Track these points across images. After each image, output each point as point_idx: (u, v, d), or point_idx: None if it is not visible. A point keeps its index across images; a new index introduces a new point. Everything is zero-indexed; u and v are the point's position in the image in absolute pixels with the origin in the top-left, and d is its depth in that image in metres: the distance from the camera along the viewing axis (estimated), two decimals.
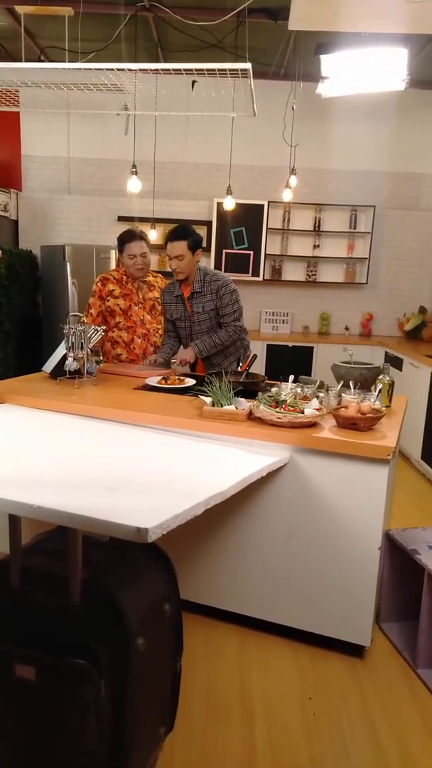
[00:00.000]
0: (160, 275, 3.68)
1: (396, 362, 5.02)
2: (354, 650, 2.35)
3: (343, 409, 2.31)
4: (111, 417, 2.48)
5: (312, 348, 5.68)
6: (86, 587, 1.52)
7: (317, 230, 5.90)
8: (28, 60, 4.63)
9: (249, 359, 3.06)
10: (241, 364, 3.18)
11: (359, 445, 2.14)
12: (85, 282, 5.20)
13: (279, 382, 2.60)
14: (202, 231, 5.83)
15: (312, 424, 2.29)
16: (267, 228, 5.79)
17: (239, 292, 3.35)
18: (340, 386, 2.57)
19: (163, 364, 3.32)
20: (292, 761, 1.86)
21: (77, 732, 1.41)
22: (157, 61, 5.25)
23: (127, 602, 1.50)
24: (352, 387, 2.52)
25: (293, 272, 6.07)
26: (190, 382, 2.91)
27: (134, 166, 4.43)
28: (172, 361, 3.30)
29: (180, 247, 3.14)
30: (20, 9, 4.20)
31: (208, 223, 5.85)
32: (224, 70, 2.94)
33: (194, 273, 3.25)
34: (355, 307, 6.18)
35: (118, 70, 3.10)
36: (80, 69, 3.17)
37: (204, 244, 5.71)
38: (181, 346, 3.46)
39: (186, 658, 1.83)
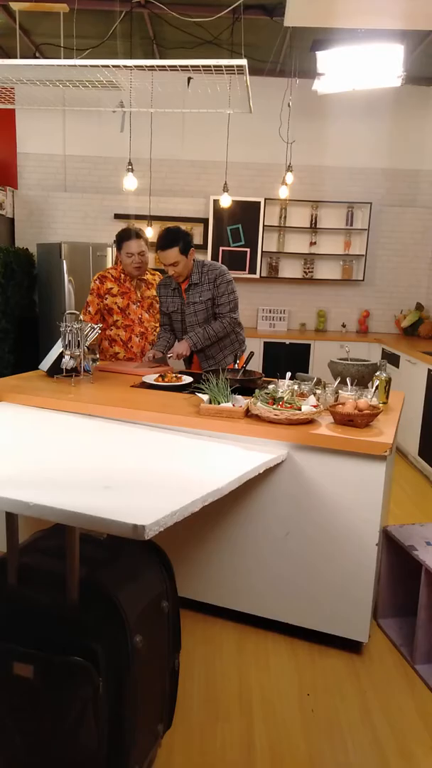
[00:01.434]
0: (158, 273, 3.68)
1: (393, 359, 5.03)
2: (352, 646, 2.35)
3: (340, 405, 2.31)
4: (108, 415, 2.48)
5: (309, 345, 5.68)
6: (84, 585, 1.52)
7: (314, 227, 5.90)
8: (23, 57, 4.62)
9: (244, 357, 3.05)
10: (237, 360, 3.18)
11: (356, 441, 2.14)
12: (82, 280, 5.19)
13: (276, 379, 2.60)
14: (198, 228, 5.84)
15: (309, 421, 2.29)
16: (263, 225, 5.79)
17: (237, 288, 3.34)
18: (337, 383, 2.58)
19: (161, 360, 3.32)
20: (291, 757, 1.87)
21: (76, 729, 1.41)
22: (152, 57, 5.24)
23: (125, 600, 1.50)
24: (349, 384, 2.52)
25: (290, 269, 6.06)
26: (187, 379, 2.91)
27: (130, 163, 4.42)
28: (168, 355, 3.29)
29: (173, 254, 3.11)
30: (15, 5, 4.18)
31: (205, 221, 5.85)
32: (220, 66, 2.94)
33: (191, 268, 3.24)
34: (352, 304, 6.18)
35: (113, 66, 3.10)
36: (76, 66, 3.17)
37: (201, 242, 5.79)
38: (176, 340, 3.45)
39: (184, 656, 1.84)
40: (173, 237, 3.11)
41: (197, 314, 3.28)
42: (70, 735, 1.42)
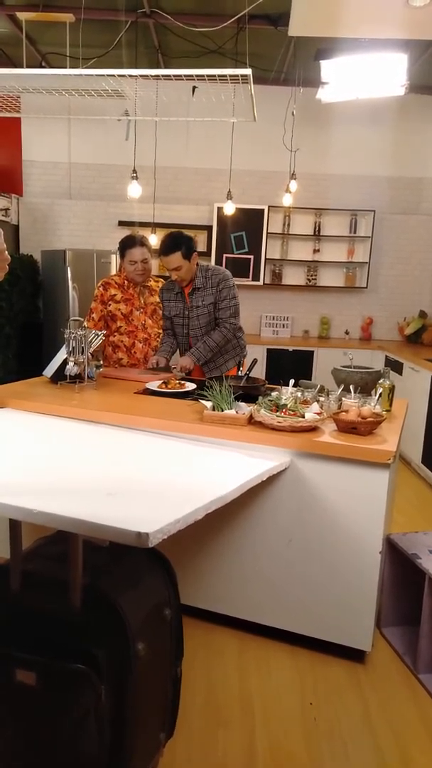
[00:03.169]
0: (162, 280, 3.69)
1: (396, 366, 5.03)
2: (355, 655, 2.34)
3: (344, 413, 2.31)
4: (111, 421, 2.48)
5: (312, 352, 5.68)
6: (86, 592, 1.52)
7: (317, 235, 5.92)
8: (29, 66, 4.66)
9: (246, 364, 3.06)
10: (240, 367, 3.19)
11: (360, 449, 2.14)
12: (86, 286, 5.20)
13: (279, 387, 2.60)
14: (202, 236, 5.86)
15: (312, 429, 2.29)
16: (267, 233, 5.81)
17: (239, 295, 3.35)
18: (340, 390, 2.58)
19: (165, 369, 3.33)
20: (293, 765, 1.85)
21: (77, 737, 1.41)
22: (157, 67, 5.28)
23: (128, 607, 1.50)
24: (352, 391, 2.52)
25: (293, 277, 6.08)
26: (190, 386, 2.91)
27: (135, 171, 4.45)
28: (172, 366, 3.30)
29: (175, 259, 3.13)
30: (21, 15, 4.23)
31: (209, 228, 5.87)
32: (224, 75, 2.96)
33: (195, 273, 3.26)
34: (355, 311, 6.19)
35: (119, 76, 3.13)
36: (81, 75, 3.20)
37: (204, 249, 5.80)
38: (179, 346, 3.46)
39: (186, 663, 1.83)
40: (176, 242, 3.13)
41: (200, 318, 3.29)
42: (72, 742, 1.42)
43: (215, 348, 3.27)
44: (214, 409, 2.41)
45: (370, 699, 2.16)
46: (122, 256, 3.43)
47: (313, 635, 2.35)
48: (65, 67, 4.53)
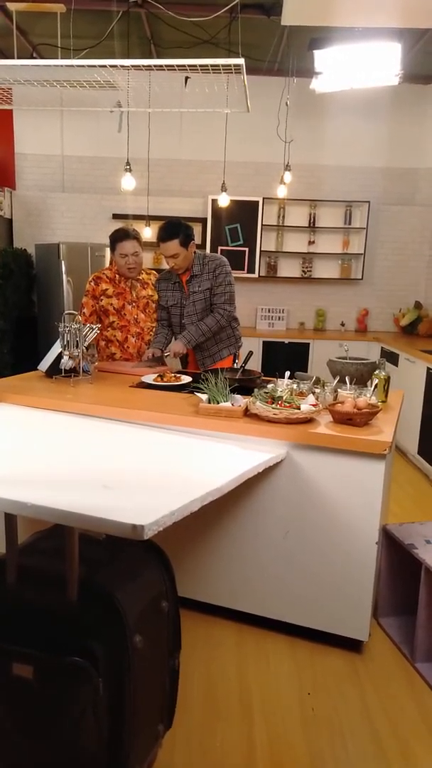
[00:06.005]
0: (154, 272, 3.67)
1: (392, 357, 5.03)
2: (352, 645, 2.35)
3: (339, 404, 2.31)
4: (107, 415, 2.47)
5: (308, 344, 5.68)
6: (83, 585, 1.52)
7: (312, 226, 5.90)
8: (20, 57, 4.60)
9: (241, 356, 3.05)
10: (236, 359, 3.18)
11: (355, 440, 2.14)
12: (80, 280, 5.17)
13: (275, 379, 2.59)
14: (197, 228, 5.80)
15: (308, 420, 2.29)
16: (262, 224, 5.79)
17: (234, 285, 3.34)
18: (336, 382, 2.57)
19: (159, 360, 3.32)
20: (291, 756, 1.87)
21: (75, 730, 1.41)
22: (150, 57, 5.23)
23: (125, 600, 1.50)
24: (348, 382, 2.52)
25: (288, 268, 6.06)
26: (186, 379, 2.90)
27: (128, 163, 4.41)
28: (165, 354, 3.29)
29: (173, 246, 3.12)
30: (12, 5, 4.17)
31: (203, 220, 5.84)
32: (217, 65, 2.93)
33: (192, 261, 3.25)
34: (350, 302, 6.18)
35: (111, 66, 3.10)
36: (73, 66, 3.17)
37: (199, 241, 5.78)
38: (173, 336, 3.45)
39: (184, 655, 1.83)
40: (174, 229, 3.12)
41: (196, 304, 3.27)
42: (70, 736, 1.42)
43: (208, 332, 3.24)
44: (209, 402, 2.41)
45: (368, 689, 2.17)
46: (113, 249, 3.39)
47: (310, 626, 2.36)
48: (57, 58, 4.49)
